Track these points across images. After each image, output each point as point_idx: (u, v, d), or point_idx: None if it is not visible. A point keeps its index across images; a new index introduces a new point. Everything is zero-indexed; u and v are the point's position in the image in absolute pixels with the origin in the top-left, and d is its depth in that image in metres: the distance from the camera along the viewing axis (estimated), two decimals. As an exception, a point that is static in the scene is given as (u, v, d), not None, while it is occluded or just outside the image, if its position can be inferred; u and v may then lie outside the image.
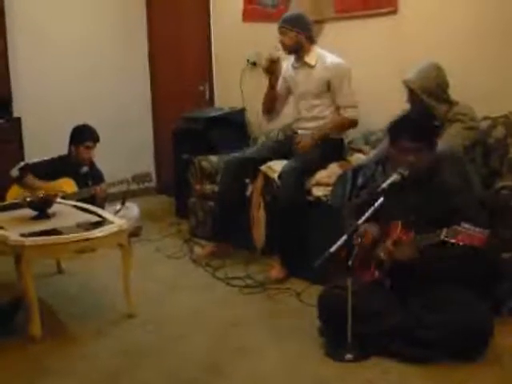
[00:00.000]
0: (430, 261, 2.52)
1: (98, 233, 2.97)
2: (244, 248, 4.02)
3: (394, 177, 2.61)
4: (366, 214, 2.56)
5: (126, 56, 5.92)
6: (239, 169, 3.93)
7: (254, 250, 3.95)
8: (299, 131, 3.94)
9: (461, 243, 2.34)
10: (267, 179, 3.83)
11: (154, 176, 5.41)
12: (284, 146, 3.98)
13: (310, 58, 3.80)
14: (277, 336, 2.85)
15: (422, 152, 2.60)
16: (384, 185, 2.60)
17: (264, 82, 4.00)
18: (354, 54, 3.94)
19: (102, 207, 4.00)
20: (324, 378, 2.46)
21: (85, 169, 4.39)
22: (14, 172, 4.19)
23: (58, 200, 3.52)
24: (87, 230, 3.03)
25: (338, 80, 3.73)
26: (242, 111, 5.04)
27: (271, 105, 4.02)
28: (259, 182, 3.90)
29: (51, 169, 4.26)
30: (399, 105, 3.31)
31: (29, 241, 2.82)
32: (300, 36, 3.75)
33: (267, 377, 2.51)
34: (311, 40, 3.82)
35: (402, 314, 2.56)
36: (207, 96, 5.52)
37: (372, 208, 2.56)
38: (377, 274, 2.68)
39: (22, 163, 4.31)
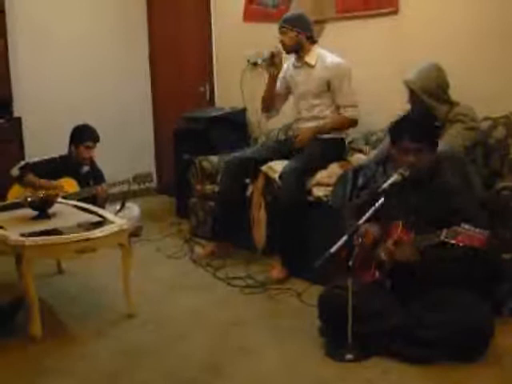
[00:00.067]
0: (430, 261, 2.52)
1: (98, 233, 2.97)
2: (245, 248, 4.02)
3: (395, 177, 2.61)
4: (367, 214, 2.56)
5: (127, 56, 5.92)
6: (240, 169, 3.93)
7: (255, 250, 3.95)
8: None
9: (461, 244, 2.34)
10: (268, 179, 3.83)
11: (154, 176, 5.41)
12: (284, 146, 3.98)
13: (310, 58, 3.80)
14: (277, 336, 2.85)
15: (423, 152, 2.60)
16: (385, 185, 2.60)
17: (264, 81, 4.01)
18: (354, 54, 3.94)
19: (103, 207, 4.01)
20: (324, 378, 2.46)
21: (85, 168, 4.39)
22: (15, 171, 4.19)
23: (59, 200, 3.52)
24: (88, 229, 3.03)
25: (338, 80, 3.73)
26: (243, 111, 5.04)
27: (270, 103, 4.02)
28: (260, 182, 3.90)
29: (52, 168, 4.26)
30: (400, 105, 3.32)
31: (29, 241, 2.82)
32: (300, 36, 3.76)
33: (267, 377, 2.51)
34: (311, 40, 3.82)
35: (403, 315, 2.56)
36: (208, 96, 5.52)
37: (373, 208, 2.56)
38: (377, 274, 2.68)
39: (22, 162, 4.31)
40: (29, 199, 3.30)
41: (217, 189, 4.21)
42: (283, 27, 3.77)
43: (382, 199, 2.56)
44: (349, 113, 3.77)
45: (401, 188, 2.62)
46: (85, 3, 5.63)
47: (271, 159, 3.88)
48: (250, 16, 4.93)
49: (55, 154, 4.38)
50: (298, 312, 3.12)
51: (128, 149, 5.83)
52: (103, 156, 4.57)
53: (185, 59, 5.75)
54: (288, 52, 3.85)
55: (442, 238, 2.38)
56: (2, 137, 5.01)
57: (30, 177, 4.16)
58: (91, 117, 4.73)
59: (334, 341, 2.67)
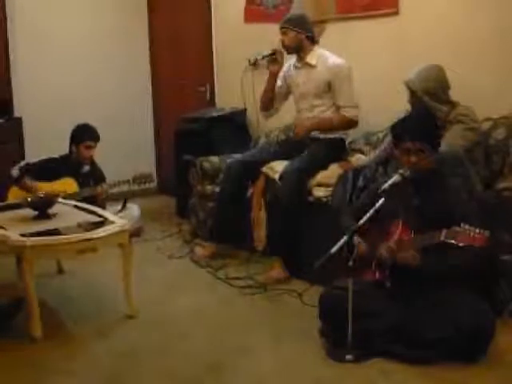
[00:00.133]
0: (430, 262, 2.52)
1: (99, 233, 2.97)
2: (245, 248, 4.02)
3: (395, 177, 2.62)
4: (367, 215, 2.56)
5: (128, 56, 5.92)
6: (241, 172, 3.93)
7: (255, 250, 3.95)
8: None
9: (460, 244, 2.34)
10: (268, 180, 3.83)
11: (154, 176, 5.41)
12: (285, 147, 3.98)
13: (311, 59, 3.80)
14: (277, 336, 2.85)
15: (424, 153, 2.60)
16: (385, 185, 2.61)
17: (265, 82, 4.01)
18: (355, 55, 3.94)
19: (103, 207, 4.00)
20: (324, 379, 2.46)
21: (86, 168, 4.39)
22: (15, 171, 4.19)
23: (59, 200, 3.52)
24: (88, 230, 3.03)
25: (339, 80, 3.73)
26: (243, 112, 5.04)
27: (270, 101, 4.02)
28: (260, 182, 3.90)
29: (52, 168, 4.26)
30: (400, 106, 3.32)
31: (30, 241, 2.82)
32: (301, 36, 3.76)
33: (268, 377, 2.51)
34: (312, 40, 3.82)
35: (403, 315, 2.55)
36: (208, 96, 5.52)
37: (373, 208, 2.56)
38: (377, 274, 2.68)
39: (22, 163, 4.31)
40: (29, 199, 3.30)
41: (217, 189, 4.21)
42: (284, 27, 3.77)
43: (383, 199, 2.56)
44: (349, 113, 3.76)
45: (401, 188, 2.62)
46: (85, 4, 5.63)
47: (272, 161, 3.88)
48: (250, 17, 4.94)
49: (55, 154, 4.38)
50: (298, 312, 3.12)
51: (128, 149, 5.83)
52: (103, 156, 4.56)
53: (185, 59, 5.75)
54: (289, 52, 3.85)
55: (442, 237, 2.39)
56: (2, 137, 5.02)
57: (27, 181, 4.14)
58: (92, 116, 4.73)
59: (334, 341, 2.67)
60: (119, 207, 4.42)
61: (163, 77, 6.04)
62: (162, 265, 3.98)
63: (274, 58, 3.86)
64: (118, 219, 3.21)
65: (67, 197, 3.91)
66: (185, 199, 4.81)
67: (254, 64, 4.88)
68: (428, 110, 3.15)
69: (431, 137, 2.65)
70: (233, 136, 4.90)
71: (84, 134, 4.33)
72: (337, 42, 4.15)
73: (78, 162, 4.35)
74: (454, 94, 3.26)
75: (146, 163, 5.86)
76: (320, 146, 3.79)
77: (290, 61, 3.96)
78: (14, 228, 3.03)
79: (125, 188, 4.48)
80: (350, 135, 3.99)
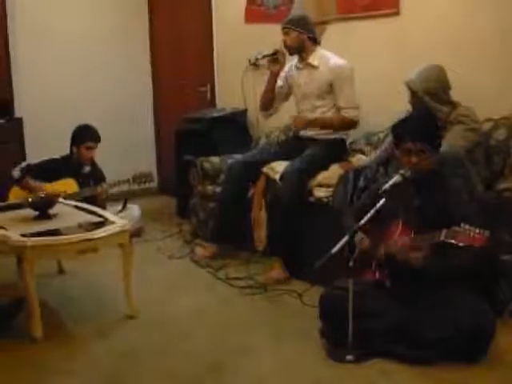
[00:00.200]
0: (430, 262, 2.52)
1: (99, 233, 2.97)
2: (245, 249, 4.02)
3: (396, 178, 2.62)
4: (368, 215, 2.56)
5: (128, 56, 5.93)
6: (243, 174, 3.93)
7: (255, 250, 3.95)
8: (301, 132, 3.95)
9: (461, 244, 2.34)
10: (268, 180, 3.83)
11: (155, 176, 5.41)
12: (285, 147, 3.98)
13: (313, 59, 3.80)
14: (278, 336, 2.85)
15: (425, 153, 2.60)
16: (386, 186, 2.61)
17: (265, 82, 4.01)
18: (355, 55, 3.93)
19: (104, 207, 4.01)
20: (324, 379, 2.46)
21: (87, 169, 4.39)
22: (16, 172, 4.19)
23: (60, 200, 3.52)
24: (89, 230, 3.03)
25: (341, 81, 3.73)
26: (244, 112, 5.04)
27: (269, 101, 4.02)
28: (261, 183, 3.89)
29: (53, 169, 4.26)
30: (401, 106, 3.32)
31: (31, 241, 2.82)
32: (303, 36, 3.76)
33: (268, 377, 2.51)
34: (314, 41, 3.82)
35: (403, 315, 2.55)
36: (209, 97, 5.52)
37: (374, 209, 2.56)
38: (377, 274, 2.68)
39: (23, 163, 4.31)
40: (30, 199, 3.31)
41: (218, 189, 4.21)
42: (286, 27, 3.77)
43: (383, 200, 2.56)
44: (349, 114, 3.76)
45: (402, 189, 2.62)
46: (85, 3, 5.63)
47: (273, 161, 3.88)
48: (251, 17, 4.94)
49: (56, 155, 4.38)
50: (298, 313, 3.12)
51: (129, 149, 5.83)
52: (104, 156, 4.56)
53: (186, 59, 5.76)
54: (291, 53, 3.85)
55: (442, 237, 2.39)
56: (3, 137, 5.02)
57: (28, 181, 4.14)
58: (92, 117, 4.74)
59: (334, 341, 2.67)
60: (120, 207, 4.42)
61: (164, 77, 6.04)
62: (162, 265, 3.98)
63: (276, 58, 3.86)
64: (119, 219, 3.21)
65: (67, 197, 3.92)
66: (185, 199, 4.81)
67: (255, 64, 4.88)
68: (429, 110, 3.15)
69: (432, 137, 2.66)
70: (233, 136, 4.90)
71: (85, 135, 4.33)
72: (337, 42, 4.15)
73: (78, 162, 4.35)
74: (455, 95, 3.26)
75: (147, 163, 5.84)
76: (321, 146, 3.79)
77: (292, 61, 3.96)
78: (15, 228, 3.03)
79: (125, 188, 4.48)
80: (351, 135, 3.99)
